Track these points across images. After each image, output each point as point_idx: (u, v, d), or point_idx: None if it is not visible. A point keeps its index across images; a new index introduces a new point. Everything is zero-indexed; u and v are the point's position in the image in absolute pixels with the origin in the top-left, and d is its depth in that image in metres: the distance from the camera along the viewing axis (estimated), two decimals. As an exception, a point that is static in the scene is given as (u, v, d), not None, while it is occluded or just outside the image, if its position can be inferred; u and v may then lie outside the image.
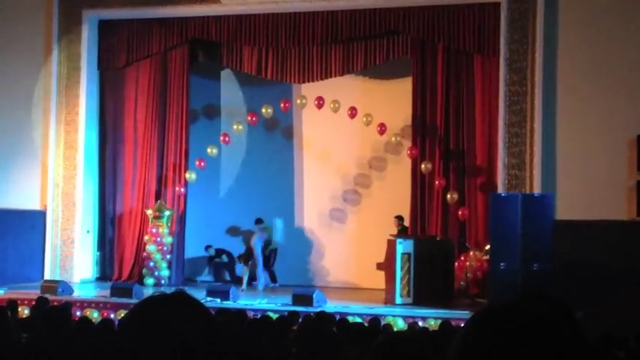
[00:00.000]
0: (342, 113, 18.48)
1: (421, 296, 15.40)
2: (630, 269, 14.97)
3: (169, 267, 18.99)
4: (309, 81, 18.76)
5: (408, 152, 17.96)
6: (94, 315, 14.64)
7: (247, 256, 18.28)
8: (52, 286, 16.27)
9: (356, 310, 14.61)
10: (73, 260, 18.95)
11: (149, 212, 18.97)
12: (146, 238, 18.88)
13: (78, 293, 16.71)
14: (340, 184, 19.79)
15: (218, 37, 19.02)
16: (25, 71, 19.43)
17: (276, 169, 20.02)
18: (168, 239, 18.90)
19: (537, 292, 1.75)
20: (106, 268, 19.77)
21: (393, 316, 14.06)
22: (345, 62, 18.41)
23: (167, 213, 18.90)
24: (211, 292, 15.74)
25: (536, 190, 15.94)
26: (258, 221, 18.67)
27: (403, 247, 15.53)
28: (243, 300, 15.71)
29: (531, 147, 16.25)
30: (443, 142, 17.67)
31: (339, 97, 18.63)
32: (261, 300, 15.75)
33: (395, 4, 17.58)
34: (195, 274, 20.16)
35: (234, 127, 19.15)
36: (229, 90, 20.57)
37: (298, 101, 19.10)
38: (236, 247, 19.57)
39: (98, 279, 19.50)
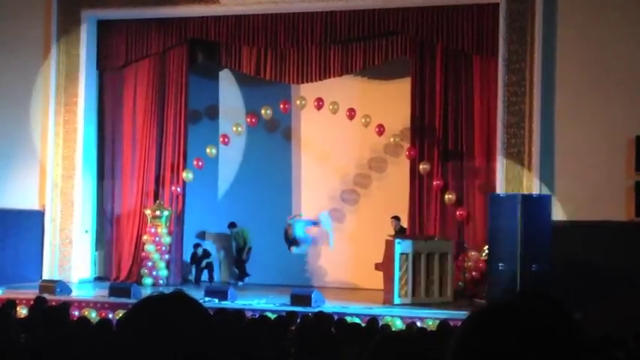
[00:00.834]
0: (341, 114, 18.49)
1: (419, 297, 15.43)
2: (629, 270, 14.97)
3: (168, 267, 18.99)
4: (307, 81, 18.75)
5: (407, 153, 17.96)
6: (92, 315, 14.63)
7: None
8: (51, 285, 16.27)
9: (354, 310, 14.62)
10: (71, 260, 18.94)
11: (148, 212, 18.97)
12: (145, 238, 18.87)
13: (76, 293, 16.72)
14: (339, 185, 19.79)
15: (217, 38, 19.02)
16: (24, 71, 19.42)
17: (274, 170, 20.02)
18: (167, 239, 18.90)
19: (535, 293, 1.75)
20: (104, 268, 19.76)
21: (392, 316, 14.08)
22: (344, 63, 18.40)
23: (166, 213, 18.90)
24: (209, 292, 15.76)
25: (535, 191, 15.94)
26: (231, 225, 19.30)
27: (402, 247, 15.54)
28: (242, 300, 15.71)
29: (530, 147, 16.25)
30: (441, 142, 17.67)
31: (338, 97, 18.63)
32: (259, 300, 15.75)
33: (393, 5, 17.58)
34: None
35: (234, 128, 19.15)
36: (228, 90, 20.57)
37: (298, 102, 19.10)
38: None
39: (96, 279, 19.49)
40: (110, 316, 14.63)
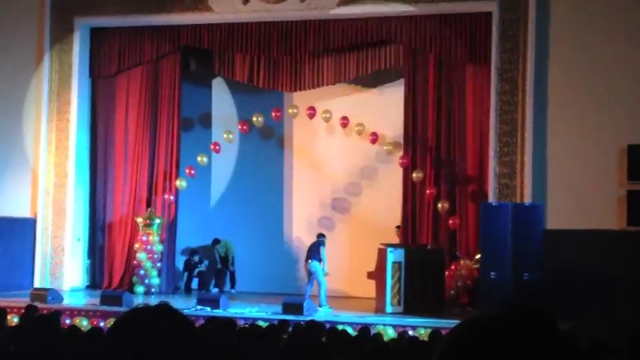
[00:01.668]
0: (334, 123, 18.51)
1: (411, 305, 15.41)
2: (621, 278, 14.97)
3: (159, 275, 18.95)
4: (300, 89, 18.78)
5: (400, 161, 17.97)
6: (84, 323, 14.58)
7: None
8: (42, 294, 16.21)
9: (346, 318, 14.60)
10: (63, 268, 18.89)
11: (140, 220, 18.93)
12: (136, 246, 18.84)
13: (68, 301, 16.66)
14: (330, 193, 19.80)
15: (210, 45, 19.03)
16: (17, 78, 19.39)
17: (267, 178, 20.04)
18: (159, 247, 18.87)
19: (522, 304, 1.73)
20: (96, 276, 19.72)
21: (384, 325, 14.05)
22: (337, 71, 18.43)
23: (157, 221, 18.87)
24: (201, 301, 15.73)
25: (527, 200, 15.95)
26: (215, 242, 19.61)
27: (394, 255, 15.54)
28: (234, 308, 15.69)
29: (522, 156, 16.27)
30: (434, 151, 17.68)
31: (331, 106, 18.66)
32: (251, 309, 15.72)
33: (387, 14, 17.59)
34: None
35: (225, 135, 19.18)
36: (221, 98, 20.58)
37: (290, 110, 19.11)
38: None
39: (88, 287, 19.45)
40: (102, 324, 14.57)
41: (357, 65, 18.30)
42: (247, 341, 8.60)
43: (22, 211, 19.19)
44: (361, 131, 18.39)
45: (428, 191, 17.54)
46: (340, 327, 12.13)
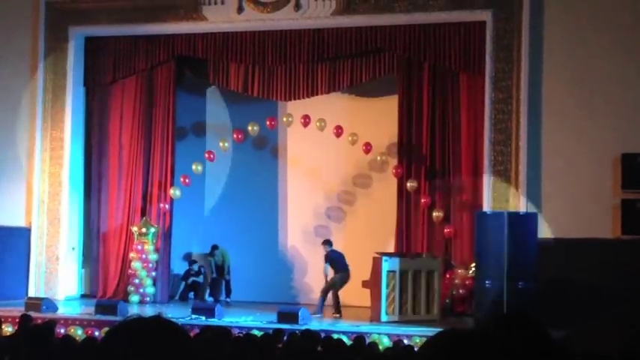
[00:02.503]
0: (328, 132, 18.53)
1: (406, 314, 15.42)
2: (616, 287, 14.99)
3: (154, 284, 18.92)
4: (295, 98, 18.79)
5: (394, 171, 17.99)
6: (79, 332, 14.56)
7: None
8: (36, 303, 16.17)
9: (341, 327, 14.60)
10: (57, 277, 18.86)
11: (134, 229, 18.92)
12: (131, 255, 18.81)
13: (62, 311, 16.62)
14: (325, 202, 19.80)
15: (204, 55, 19.04)
16: (11, 87, 19.37)
17: (261, 186, 20.03)
18: (154, 256, 18.84)
19: (515, 314, 1.74)
20: (90, 286, 19.68)
21: (379, 334, 14.07)
22: (331, 80, 18.45)
23: (152, 230, 18.86)
24: (196, 310, 15.71)
25: (522, 209, 15.97)
26: (213, 249, 19.39)
27: (389, 264, 15.55)
28: (229, 317, 15.67)
29: (517, 165, 16.29)
30: (428, 160, 17.70)
31: (325, 115, 18.67)
32: (246, 317, 15.71)
33: (381, 23, 17.63)
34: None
35: (220, 144, 19.19)
36: (215, 107, 20.59)
37: (284, 119, 19.13)
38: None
39: (83, 296, 19.41)
40: (96, 333, 14.54)
41: (351, 74, 18.32)
42: (242, 351, 8.59)
43: (16, 221, 19.15)
44: (355, 140, 18.41)
45: (422, 200, 17.55)
46: (335, 336, 12.13)
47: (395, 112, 18.06)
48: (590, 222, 15.72)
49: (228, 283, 19.46)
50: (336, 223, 19.76)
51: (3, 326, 13.05)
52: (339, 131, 18.49)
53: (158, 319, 2.06)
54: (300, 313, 14.90)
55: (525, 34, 16.34)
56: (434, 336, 1.80)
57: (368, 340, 12.65)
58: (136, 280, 18.70)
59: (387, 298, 15.46)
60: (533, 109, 16.31)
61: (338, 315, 16.66)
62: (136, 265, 18.66)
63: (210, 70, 19.37)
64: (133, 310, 17.11)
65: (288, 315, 14.94)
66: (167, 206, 19.09)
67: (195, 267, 19.66)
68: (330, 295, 17.03)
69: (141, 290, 18.70)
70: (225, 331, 10.78)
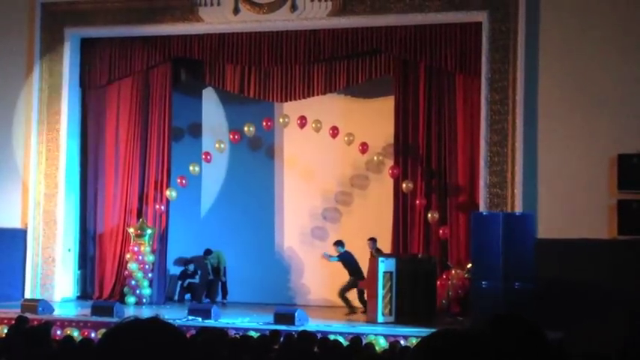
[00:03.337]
0: (324, 132, 18.53)
1: (403, 315, 15.42)
2: (612, 288, 15.01)
3: (151, 285, 18.91)
4: (291, 99, 18.80)
5: (390, 171, 17.99)
6: (75, 334, 14.53)
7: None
8: (33, 304, 16.16)
9: (338, 328, 14.59)
10: (53, 279, 18.84)
11: (131, 230, 18.90)
12: (128, 256, 18.79)
13: (58, 312, 16.60)
14: (321, 202, 19.81)
15: (200, 56, 19.04)
16: (6, 88, 19.34)
17: (257, 187, 20.03)
18: (150, 257, 18.83)
19: (510, 316, 1.74)
20: (87, 287, 19.65)
21: (375, 334, 14.07)
22: (328, 81, 18.46)
23: (149, 231, 18.84)
24: (193, 311, 15.71)
25: (518, 209, 15.98)
26: (207, 252, 19.38)
27: (385, 265, 15.55)
28: (225, 319, 15.67)
29: (513, 166, 16.30)
30: (424, 161, 17.71)
31: (321, 116, 18.67)
32: (243, 319, 15.71)
33: (377, 24, 17.64)
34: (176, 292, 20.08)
35: (216, 145, 19.17)
36: (211, 108, 20.58)
37: (281, 120, 19.12)
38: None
39: (79, 298, 19.39)
40: (93, 335, 14.52)
41: (347, 75, 18.33)
42: (239, 352, 8.59)
43: (12, 222, 19.13)
44: (351, 141, 18.41)
45: (418, 201, 17.56)
46: (332, 337, 12.14)
47: (391, 112, 18.07)
48: (587, 222, 15.73)
49: (224, 284, 19.46)
50: (332, 223, 19.76)
51: (-1, 328, 13.05)
52: (335, 132, 18.49)
53: (155, 320, 2.06)
54: (296, 315, 14.89)
55: (521, 34, 16.36)
56: (428, 336, 1.80)
57: (364, 341, 12.63)
58: (133, 282, 18.68)
59: (383, 299, 15.46)
60: (529, 109, 16.32)
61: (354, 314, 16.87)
62: (132, 266, 18.64)
63: (206, 70, 19.37)
64: (130, 311, 17.10)
65: (285, 316, 14.93)
66: (163, 207, 19.07)
67: (191, 267, 19.62)
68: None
69: (137, 292, 18.68)
70: (221, 332, 10.78)
